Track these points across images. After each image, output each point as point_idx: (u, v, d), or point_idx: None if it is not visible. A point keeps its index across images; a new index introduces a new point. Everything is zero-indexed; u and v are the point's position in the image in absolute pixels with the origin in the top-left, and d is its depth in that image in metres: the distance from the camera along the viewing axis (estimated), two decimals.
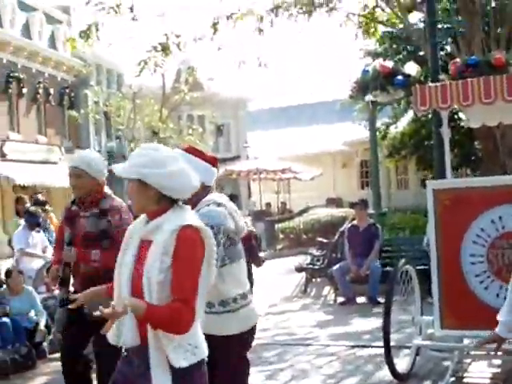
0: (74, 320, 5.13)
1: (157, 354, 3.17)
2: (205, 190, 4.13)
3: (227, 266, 4.09)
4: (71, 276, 5.25)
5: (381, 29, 22.22)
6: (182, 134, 33.40)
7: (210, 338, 3.46)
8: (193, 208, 4.01)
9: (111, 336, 3.36)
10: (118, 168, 3.34)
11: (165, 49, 15.09)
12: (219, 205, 4.13)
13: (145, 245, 3.32)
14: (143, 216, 3.43)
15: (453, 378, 6.45)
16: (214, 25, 15.12)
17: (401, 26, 18.77)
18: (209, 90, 33.62)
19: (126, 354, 3.35)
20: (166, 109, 29.89)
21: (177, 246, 3.19)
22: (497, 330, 3.59)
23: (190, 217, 3.35)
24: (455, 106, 6.84)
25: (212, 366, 3.61)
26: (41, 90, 31.77)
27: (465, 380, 6.66)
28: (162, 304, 3.15)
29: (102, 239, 5.01)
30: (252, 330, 4.26)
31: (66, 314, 5.37)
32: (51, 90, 32.63)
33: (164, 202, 3.32)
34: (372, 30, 17.76)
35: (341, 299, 11.59)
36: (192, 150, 4.22)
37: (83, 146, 35.29)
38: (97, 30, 12.20)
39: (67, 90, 33.97)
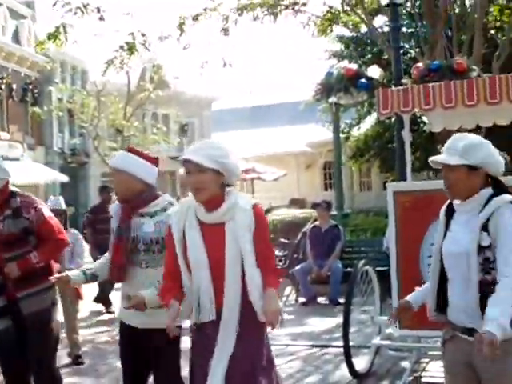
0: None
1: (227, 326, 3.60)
2: (151, 188, 4.37)
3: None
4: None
5: (345, 32, 22.44)
6: (147, 132, 33.26)
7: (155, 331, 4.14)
8: (141, 207, 4.29)
9: (187, 315, 3.73)
10: (193, 157, 3.59)
11: (131, 48, 15.05)
12: (172, 205, 4.31)
13: (215, 228, 3.63)
14: (189, 204, 3.70)
15: (410, 378, 6.54)
16: (181, 25, 15.12)
17: (365, 29, 18.96)
18: (174, 88, 33.48)
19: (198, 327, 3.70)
20: (130, 107, 29.71)
21: (256, 220, 3.64)
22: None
23: (245, 195, 3.92)
24: (417, 110, 6.92)
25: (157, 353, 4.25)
26: (3, 86, 31.43)
27: (423, 379, 6.75)
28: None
29: (26, 236, 4.86)
30: None
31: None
32: (14, 86, 32.29)
33: (223, 187, 3.69)
34: (328, 30, 17.89)
35: (302, 299, 11.68)
36: (134, 151, 4.48)
37: (46, 143, 35.07)
38: (65, 31, 12.12)
39: (30, 86, 33.65)
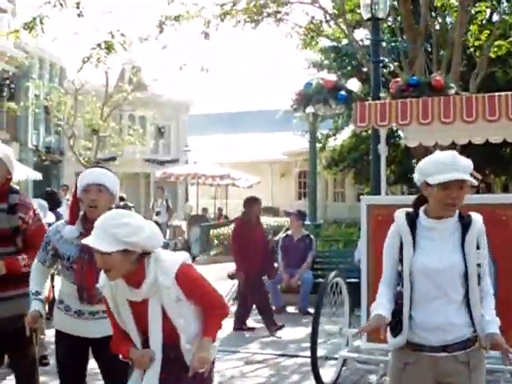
0: None
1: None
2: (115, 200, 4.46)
3: None
4: None
5: (326, 43, 22.55)
6: (123, 133, 33.14)
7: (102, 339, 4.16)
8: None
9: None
10: (99, 244, 3.36)
11: (109, 47, 15.00)
12: None
13: (141, 304, 3.52)
14: (113, 280, 3.50)
15: None
16: (161, 24, 15.11)
17: (345, 41, 19.06)
18: (152, 91, 33.41)
19: None
20: (107, 107, 29.59)
21: (183, 288, 3.51)
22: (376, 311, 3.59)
23: (167, 256, 3.59)
24: (394, 125, 6.96)
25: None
26: None
27: None
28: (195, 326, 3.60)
29: (15, 236, 4.75)
30: None
31: None
32: None
33: (141, 258, 3.49)
34: (314, 42, 17.98)
35: (272, 308, 11.66)
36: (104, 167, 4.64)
37: (21, 139, 34.76)
38: (41, 23, 12.01)
39: (7, 81, 33.34)
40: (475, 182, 3.52)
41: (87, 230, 3.99)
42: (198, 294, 3.60)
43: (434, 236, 3.54)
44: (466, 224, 3.52)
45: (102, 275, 3.56)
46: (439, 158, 3.52)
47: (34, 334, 4.86)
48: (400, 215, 3.63)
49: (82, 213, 4.37)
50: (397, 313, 3.55)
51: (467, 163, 3.51)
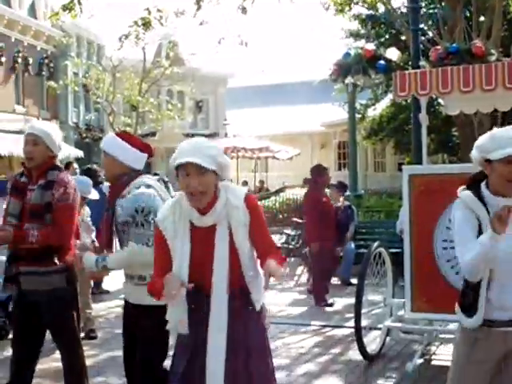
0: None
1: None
2: (134, 172, 4.42)
3: None
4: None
5: (363, 11, 22.30)
6: (161, 108, 33.27)
7: (139, 307, 4.26)
8: (122, 189, 4.34)
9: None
10: (200, 161, 3.38)
11: (146, 23, 15.01)
12: (148, 186, 4.34)
13: (205, 231, 3.49)
14: (180, 204, 3.52)
15: (421, 360, 6.57)
16: (198, 1, 15.07)
17: (383, 8, 18.82)
18: (189, 65, 33.42)
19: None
20: (145, 83, 29.68)
21: (251, 213, 3.51)
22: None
23: (235, 185, 3.72)
24: (434, 93, 6.90)
25: (140, 330, 4.30)
26: (19, 60, 31.43)
27: (432, 362, 6.80)
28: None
29: (46, 213, 4.72)
30: None
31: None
32: (30, 60, 32.30)
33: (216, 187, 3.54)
34: (346, 9, 17.74)
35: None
36: (123, 136, 4.58)
37: (61, 117, 35.11)
38: (79, 3, 12.05)
39: (46, 61, 33.62)
40: None
41: None
42: (260, 226, 3.57)
43: None
44: None
45: (166, 206, 3.62)
46: (500, 133, 3.41)
47: (73, 310, 4.95)
48: (468, 193, 3.49)
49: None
50: (470, 293, 3.50)
51: None
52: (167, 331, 3.75)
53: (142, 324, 4.31)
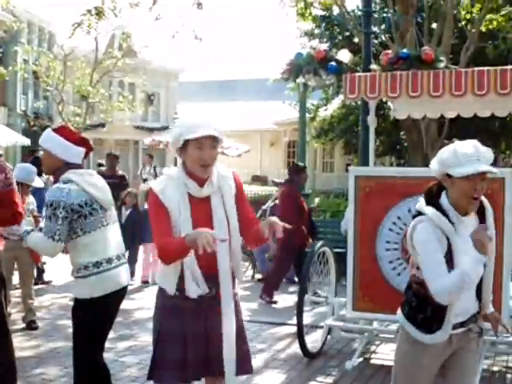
0: None
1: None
2: (66, 166, 4.49)
3: (80, 237, 4.39)
4: None
5: (317, 12, 22.42)
6: (112, 100, 32.97)
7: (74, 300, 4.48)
8: (55, 181, 4.50)
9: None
10: (214, 133, 3.66)
11: (99, 13, 14.91)
12: (67, 182, 4.40)
13: (201, 201, 3.70)
14: (177, 176, 3.70)
15: (360, 359, 6.68)
16: None
17: (337, 10, 18.94)
18: (142, 57, 33.19)
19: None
20: (97, 73, 29.35)
21: (237, 185, 3.85)
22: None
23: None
24: (383, 97, 7.00)
25: (76, 324, 4.49)
26: None
27: (372, 361, 6.90)
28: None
29: None
30: (112, 295, 4.45)
31: None
32: None
33: None
34: (307, 14, 17.86)
35: (258, 276, 11.79)
36: (61, 131, 4.63)
37: (9, 104, 34.58)
38: None
39: None
40: (497, 171, 3.44)
41: None
42: (244, 200, 3.90)
43: (464, 232, 3.45)
44: (481, 211, 3.54)
45: (162, 179, 3.77)
46: (463, 150, 3.39)
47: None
48: (434, 211, 3.46)
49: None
50: (428, 309, 3.53)
51: (489, 154, 3.43)
52: (95, 320, 4.28)
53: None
